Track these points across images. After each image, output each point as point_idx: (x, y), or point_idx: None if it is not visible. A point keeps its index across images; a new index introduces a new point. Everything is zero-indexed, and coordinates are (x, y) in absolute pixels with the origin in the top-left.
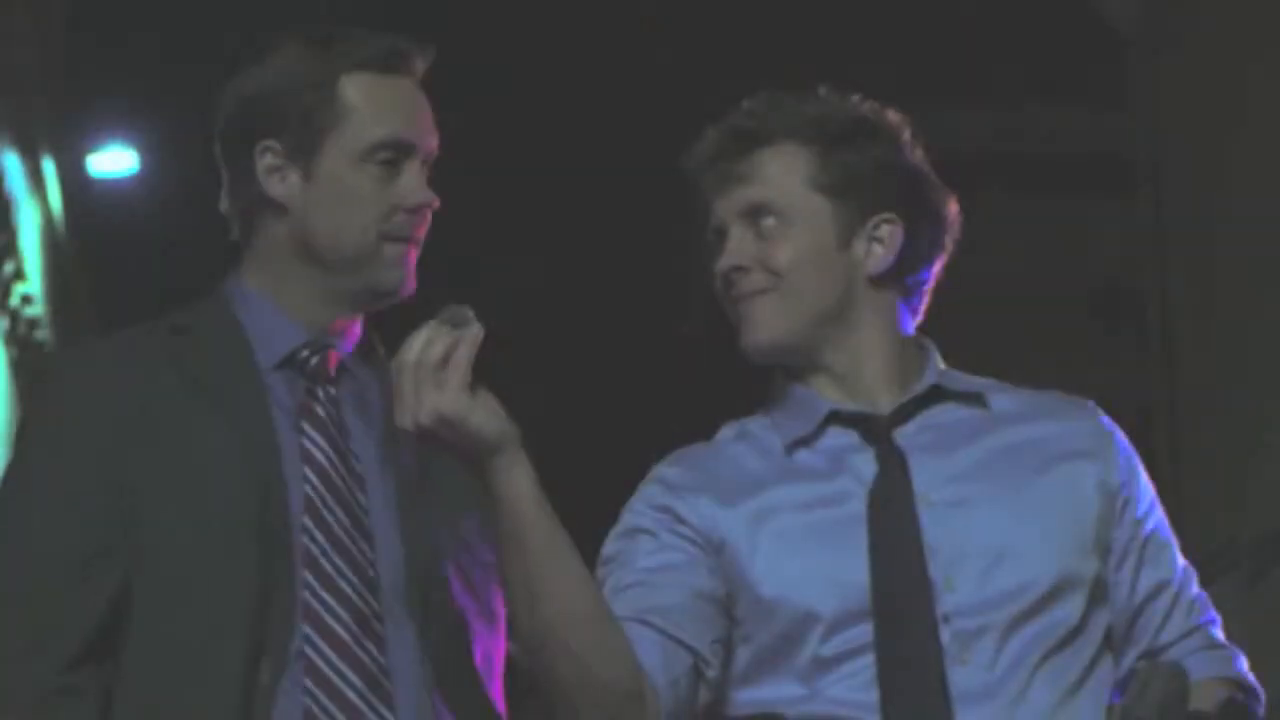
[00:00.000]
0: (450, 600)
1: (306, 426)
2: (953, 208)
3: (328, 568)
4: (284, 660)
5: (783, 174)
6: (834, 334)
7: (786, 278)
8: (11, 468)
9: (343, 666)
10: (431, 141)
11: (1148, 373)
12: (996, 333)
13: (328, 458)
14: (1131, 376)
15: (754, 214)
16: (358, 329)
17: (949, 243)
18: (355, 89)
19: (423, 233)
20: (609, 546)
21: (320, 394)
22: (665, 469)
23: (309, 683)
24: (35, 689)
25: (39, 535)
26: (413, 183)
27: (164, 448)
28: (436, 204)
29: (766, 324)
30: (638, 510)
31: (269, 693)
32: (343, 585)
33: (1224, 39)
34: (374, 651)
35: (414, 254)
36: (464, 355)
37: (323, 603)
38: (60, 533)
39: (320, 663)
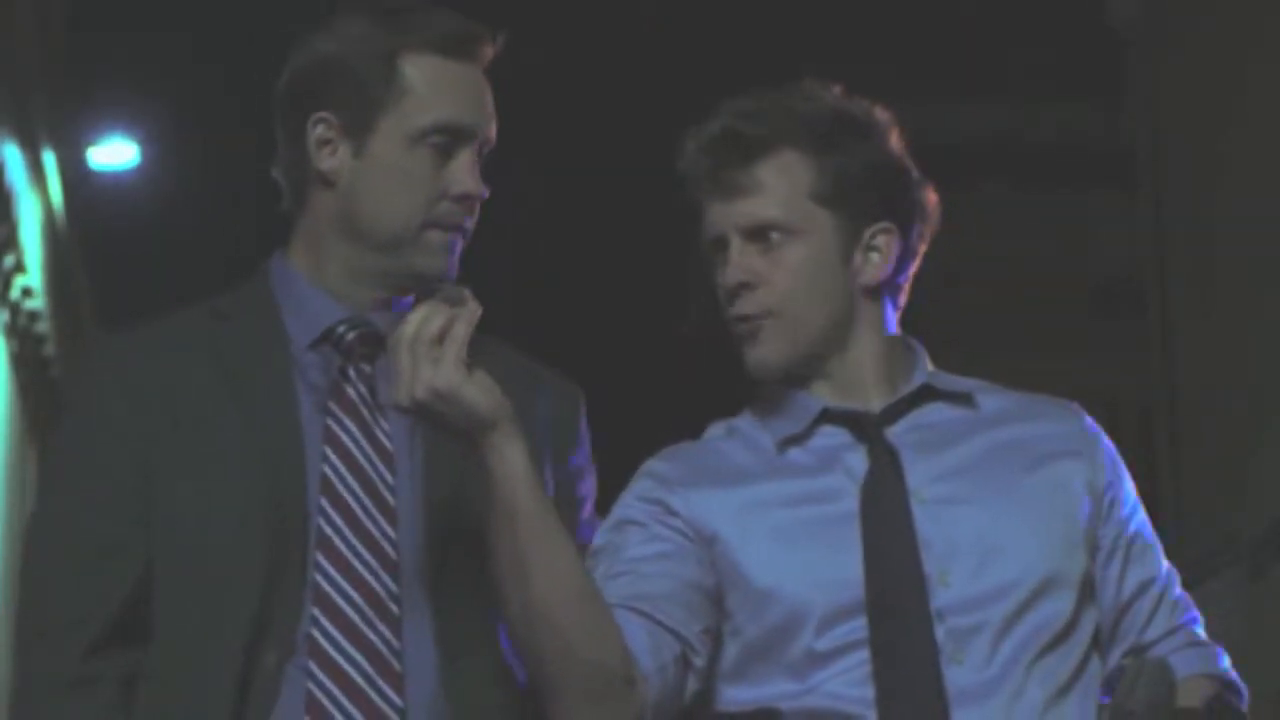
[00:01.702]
0: (472, 581)
1: (333, 406)
2: (933, 198)
3: (342, 549)
4: (291, 644)
5: (785, 187)
6: (830, 347)
7: (790, 300)
8: (48, 455)
9: (350, 649)
10: (489, 131)
11: (1148, 371)
12: (997, 330)
13: (352, 437)
14: (1132, 375)
15: (759, 230)
16: (406, 304)
17: (929, 236)
18: (416, 69)
19: (470, 222)
20: (598, 539)
21: (352, 372)
22: (655, 464)
23: (313, 665)
24: (53, 676)
25: (63, 524)
26: (463, 171)
27: (186, 437)
28: (484, 195)
29: (771, 350)
30: (628, 503)
31: (274, 676)
32: (357, 566)
33: (1223, 38)
34: (386, 633)
35: (459, 242)
36: (460, 332)
37: (334, 585)
38: (83, 521)
39: (327, 645)
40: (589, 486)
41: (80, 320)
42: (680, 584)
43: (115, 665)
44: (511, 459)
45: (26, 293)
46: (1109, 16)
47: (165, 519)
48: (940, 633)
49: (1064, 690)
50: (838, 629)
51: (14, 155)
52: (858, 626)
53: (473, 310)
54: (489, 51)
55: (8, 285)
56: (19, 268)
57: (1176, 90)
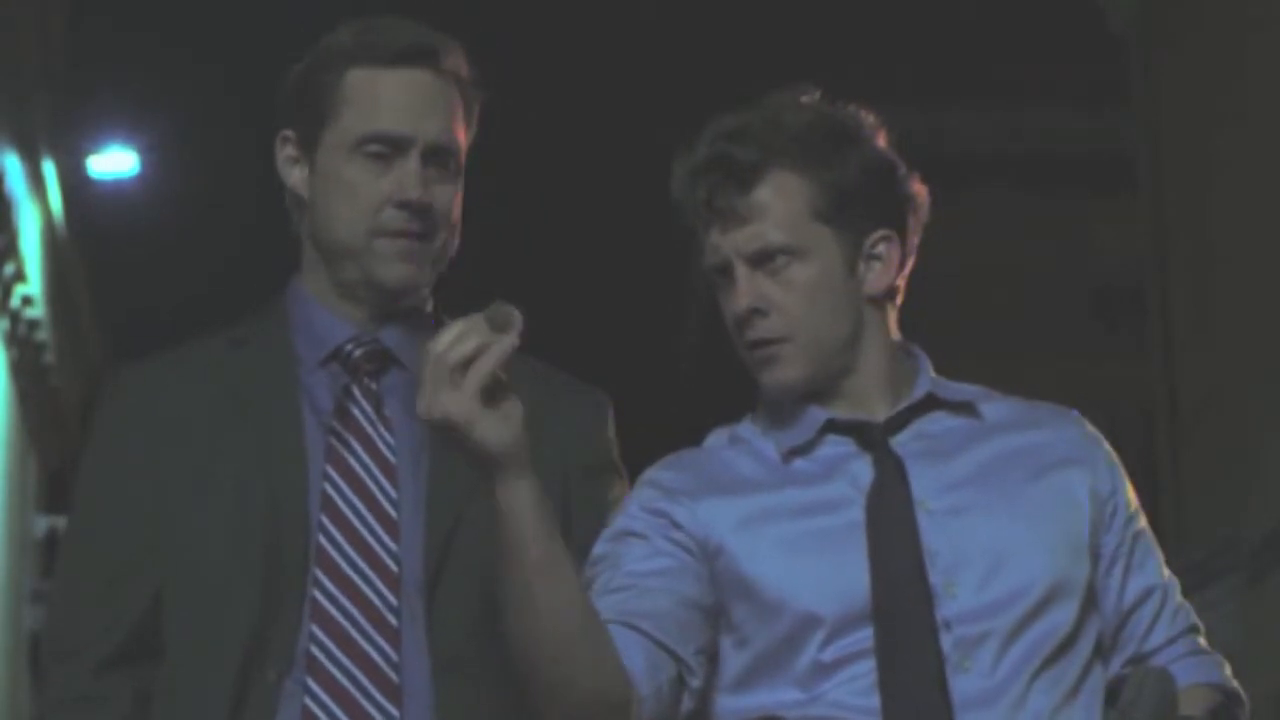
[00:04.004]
0: (472, 594)
1: (336, 425)
2: (922, 190)
3: (341, 564)
4: (290, 659)
5: (785, 209)
6: (847, 361)
7: (805, 322)
8: (75, 485)
9: (349, 663)
10: (436, 136)
11: (1149, 375)
12: (998, 334)
13: (354, 454)
14: (1133, 379)
15: (764, 256)
16: (416, 318)
17: (921, 227)
18: (357, 81)
19: (424, 227)
20: (599, 547)
21: (357, 390)
22: (658, 473)
23: (310, 681)
24: (64, 694)
25: (79, 552)
26: (402, 178)
27: (194, 463)
28: (426, 200)
29: (791, 373)
30: (631, 513)
31: (273, 691)
32: (356, 581)
33: (1221, 37)
34: (385, 647)
35: (417, 247)
36: (486, 365)
37: (332, 600)
38: (97, 549)
39: (325, 660)
40: (615, 494)
41: (80, 328)
42: (679, 602)
43: (127, 683)
44: (520, 496)
45: (26, 301)
46: (1108, 20)
47: (173, 542)
48: (947, 642)
49: (1069, 698)
50: (844, 639)
51: (13, 164)
52: (863, 636)
53: (509, 343)
54: (449, 60)
55: (7, 294)
56: (19, 276)
57: (1175, 93)
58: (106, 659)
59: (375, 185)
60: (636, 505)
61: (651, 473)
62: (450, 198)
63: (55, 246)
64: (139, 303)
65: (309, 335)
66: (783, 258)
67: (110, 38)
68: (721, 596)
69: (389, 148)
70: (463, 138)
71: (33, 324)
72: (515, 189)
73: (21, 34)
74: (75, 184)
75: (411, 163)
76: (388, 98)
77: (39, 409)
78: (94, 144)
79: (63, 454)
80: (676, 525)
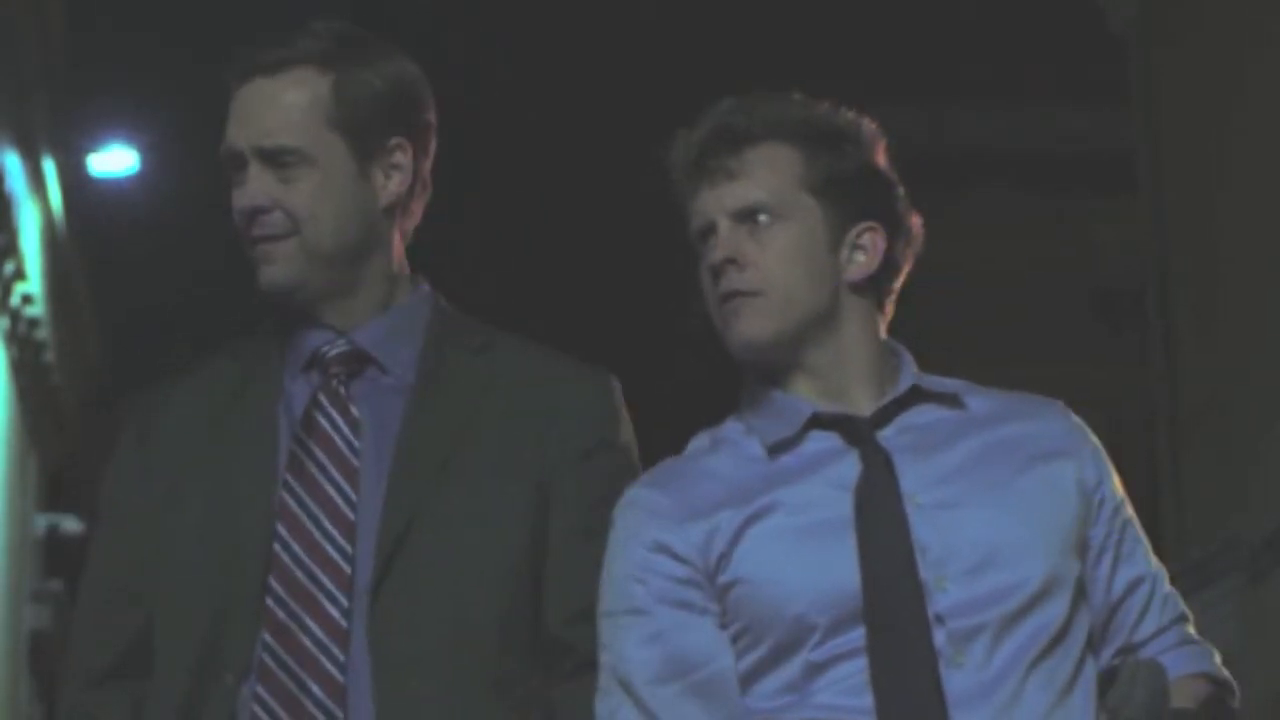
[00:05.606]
0: (416, 594)
1: (301, 432)
2: (917, 219)
3: (295, 571)
4: (247, 667)
5: (774, 173)
6: (818, 336)
7: (777, 280)
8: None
9: (295, 666)
10: (258, 141)
11: (1150, 377)
12: (999, 336)
13: (315, 460)
14: (1134, 381)
15: (747, 212)
16: (394, 317)
17: (913, 255)
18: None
19: (274, 229)
20: (612, 600)
21: (323, 395)
22: (645, 493)
23: (259, 687)
24: (67, 707)
25: (87, 579)
26: (239, 189)
27: (178, 485)
28: (258, 204)
29: (757, 327)
30: (631, 554)
31: (232, 695)
32: (308, 586)
33: (1222, 36)
34: (333, 648)
35: (273, 249)
36: None
37: (284, 606)
38: (102, 574)
39: (273, 665)
40: (612, 473)
41: (80, 327)
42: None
43: (119, 696)
44: None
45: (26, 299)
46: (1108, 20)
47: (159, 563)
48: (940, 637)
49: (1066, 692)
50: (836, 638)
51: (14, 162)
52: (855, 636)
53: None
54: (290, 60)
55: (7, 292)
56: (19, 275)
57: (1175, 93)
58: (103, 674)
59: (235, 199)
60: (634, 541)
61: (636, 491)
62: (309, 192)
63: (55, 245)
64: (139, 302)
65: (294, 341)
66: (765, 217)
67: (110, 38)
68: (725, 607)
69: (234, 162)
70: (314, 128)
71: (33, 322)
72: (516, 186)
73: (21, 34)
74: (75, 182)
75: (250, 171)
76: (230, 115)
77: (39, 408)
78: (94, 142)
79: (62, 453)
80: (678, 558)
